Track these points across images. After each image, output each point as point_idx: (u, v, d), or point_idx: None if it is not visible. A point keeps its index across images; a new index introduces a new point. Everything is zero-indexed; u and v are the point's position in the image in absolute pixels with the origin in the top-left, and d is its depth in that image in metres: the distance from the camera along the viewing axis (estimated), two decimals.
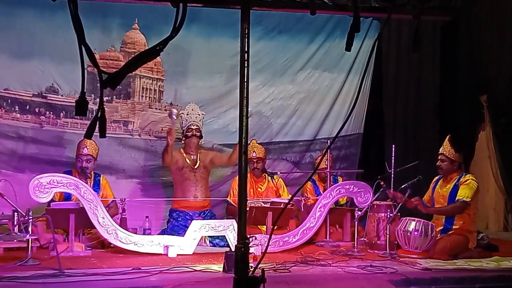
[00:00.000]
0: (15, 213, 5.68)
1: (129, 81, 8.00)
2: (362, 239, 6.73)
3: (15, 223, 5.68)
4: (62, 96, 7.72)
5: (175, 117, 7.07)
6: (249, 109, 2.49)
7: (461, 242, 6.27)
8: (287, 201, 6.87)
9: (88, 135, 2.18)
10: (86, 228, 6.41)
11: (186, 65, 8.19)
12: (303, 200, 7.32)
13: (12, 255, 5.83)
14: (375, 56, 8.44)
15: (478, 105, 8.80)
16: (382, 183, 6.68)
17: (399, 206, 6.41)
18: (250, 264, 2.47)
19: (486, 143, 8.82)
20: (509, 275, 5.63)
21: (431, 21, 8.81)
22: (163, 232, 7.00)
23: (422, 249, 6.18)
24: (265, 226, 6.90)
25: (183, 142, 7.51)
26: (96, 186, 6.89)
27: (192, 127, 7.36)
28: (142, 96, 8.09)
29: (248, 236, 2.51)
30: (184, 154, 7.40)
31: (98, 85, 2.20)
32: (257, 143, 7.73)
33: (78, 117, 7.55)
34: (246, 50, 2.51)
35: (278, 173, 7.94)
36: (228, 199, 7.55)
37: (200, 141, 7.50)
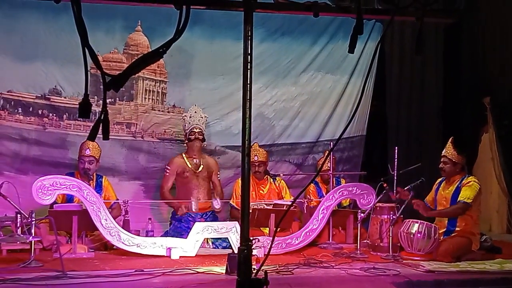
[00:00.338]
0: (18, 215, 5.70)
1: (132, 83, 8.01)
2: (365, 241, 6.73)
3: (18, 225, 5.69)
4: (65, 98, 7.73)
5: (194, 210, 7.10)
6: (251, 111, 2.49)
7: (464, 244, 6.26)
8: (289, 203, 6.86)
9: (92, 137, 2.18)
10: (89, 230, 6.42)
11: (189, 67, 8.20)
12: (306, 202, 7.31)
13: (15, 257, 5.84)
14: (378, 58, 8.45)
15: (481, 107, 8.79)
16: (385, 185, 6.68)
17: (402, 208, 6.40)
18: (253, 266, 2.47)
19: (489, 145, 8.81)
20: None
21: (434, 23, 8.80)
22: (165, 234, 7.00)
23: (425, 251, 6.18)
24: (267, 228, 6.91)
25: (185, 145, 7.51)
26: (99, 188, 6.89)
27: (195, 130, 7.36)
28: (145, 98, 8.10)
29: (251, 238, 2.51)
30: (186, 158, 7.39)
31: (101, 87, 2.20)
32: (259, 147, 7.72)
33: (81, 119, 7.56)
34: (249, 52, 2.51)
35: (281, 175, 7.94)
36: (231, 201, 7.55)
37: (203, 144, 7.50)
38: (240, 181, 2.66)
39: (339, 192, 6.91)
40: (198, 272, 5.40)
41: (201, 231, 6.33)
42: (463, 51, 9.19)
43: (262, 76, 8.35)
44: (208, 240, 6.80)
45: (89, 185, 6.55)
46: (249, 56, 2.50)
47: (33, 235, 5.60)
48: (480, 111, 8.82)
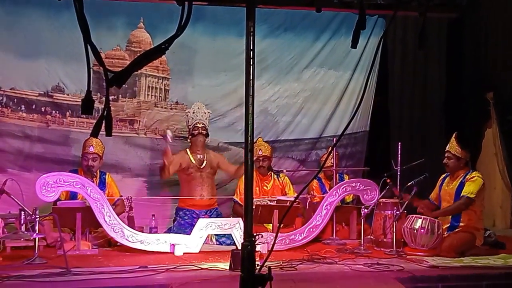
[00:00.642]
0: (22, 212, 5.70)
1: (135, 80, 8.02)
2: (369, 237, 6.72)
3: (22, 222, 5.69)
4: (68, 95, 7.75)
5: (170, 140, 6.98)
6: (254, 107, 2.48)
7: (468, 239, 6.25)
8: (293, 199, 6.86)
9: (94, 134, 2.18)
10: (92, 226, 6.42)
11: (191, 63, 8.20)
12: (309, 198, 7.31)
13: (19, 254, 5.85)
14: (380, 53, 8.44)
15: (484, 103, 8.77)
16: (388, 180, 6.68)
17: (405, 204, 6.41)
18: (256, 262, 2.47)
19: (492, 141, 8.80)
20: None
21: (437, 18, 8.79)
22: (169, 231, 7.00)
23: (429, 247, 6.17)
24: (271, 224, 6.91)
25: (189, 140, 7.52)
26: (102, 185, 6.89)
27: (198, 125, 7.35)
28: (148, 94, 8.11)
29: (255, 234, 2.50)
30: (190, 154, 7.39)
31: (104, 84, 2.20)
32: (263, 141, 7.72)
33: (84, 116, 7.58)
34: (251, 48, 2.50)
35: (284, 171, 7.93)
36: (234, 197, 7.55)
37: (206, 140, 7.50)
38: (243, 177, 2.65)
39: (343, 188, 6.90)
40: (201, 268, 5.40)
41: (205, 227, 6.33)
42: (465, 46, 9.17)
43: (265, 72, 8.36)
44: (212, 237, 6.80)
45: (93, 182, 6.55)
46: (251, 52, 2.49)
47: (37, 232, 5.60)
48: (483, 106, 8.80)
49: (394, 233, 6.28)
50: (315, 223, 6.72)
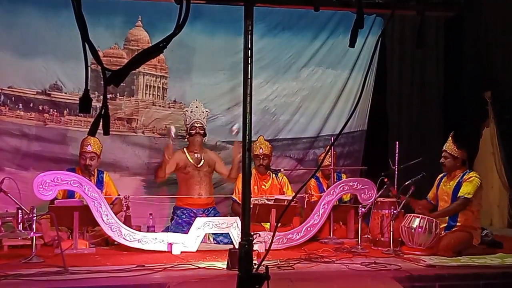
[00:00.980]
0: (19, 211, 5.69)
1: (133, 78, 8.01)
2: (366, 236, 6.73)
3: (19, 220, 5.69)
4: (65, 93, 7.74)
5: (173, 135, 7.02)
6: (252, 106, 2.48)
7: (465, 238, 6.26)
8: (290, 198, 6.86)
9: (92, 132, 2.18)
10: (90, 225, 6.42)
11: (189, 62, 8.20)
12: (306, 197, 7.32)
13: (17, 253, 5.85)
14: (378, 52, 8.44)
15: (482, 102, 8.78)
16: (386, 180, 6.68)
17: (402, 203, 6.41)
18: (254, 261, 2.47)
19: (490, 140, 8.81)
20: None
21: (435, 17, 8.80)
22: (167, 230, 7.00)
23: (426, 246, 6.18)
24: (268, 223, 6.91)
25: (187, 140, 7.51)
26: (100, 184, 6.88)
27: (196, 125, 7.34)
28: (146, 93, 8.10)
29: (252, 233, 2.50)
30: (187, 153, 7.38)
31: (102, 82, 2.19)
32: (264, 140, 7.73)
33: (81, 114, 7.57)
34: (249, 47, 2.50)
35: (282, 170, 7.94)
36: (233, 196, 7.55)
37: (204, 139, 7.49)
38: (241, 176, 2.65)
39: (340, 187, 6.90)
40: (199, 267, 5.40)
41: (202, 226, 6.33)
42: (464, 45, 9.18)
43: (262, 71, 8.36)
44: (209, 236, 6.80)
45: (90, 181, 6.55)
46: (249, 51, 2.49)
47: (34, 230, 5.60)
48: (481, 106, 8.81)
49: (391, 232, 6.28)
50: (312, 222, 6.71)
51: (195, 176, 7.33)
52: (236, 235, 6.23)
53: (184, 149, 7.46)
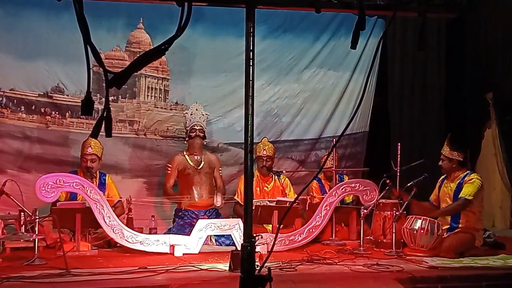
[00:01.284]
0: (22, 213, 5.71)
1: (135, 80, 8.01)
2: (368, 237, 6.72)
3: (22, 223, 5.70)
4: (67, 96, 7.74)
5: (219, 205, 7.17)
6: (254, 108, 2.48)
7: (467, 240, 6.26)
8: (292, 200, 6.87)
9: (94, 134, 2.19)
10: (92, 227, 6.42)
11: (191, 64, 8.20)
12: (308, 199, 7.31)
13: (19, 255, 5.85)
14: (380, 54, 8.43)
15: (484, 103, 8.77)
16: (388, 181, 6.67)
17: (405, 204, 6.41)
18: (256, 263, 2.47)
19: (492, 141, 8.80)
20: None
21: (437, 18, 8.79)
22: (169, 232, 7.00)
23: (429, 247, 6.17)
24: (271, 225, 6.91)
25: (186, 142, 7.52)
26: (102, 186, 6.89)
27: (195, 127, 7.36)
28: (148, 95, 8.11)
29: (254, 235, 2.51)
30: (187, 155, 7.39)
31: (104, 84, 2.20)
32: (268, 142, 7.74)
33: (83, 116, 7.57)
34: (251, 49, 2.51)
35: (284, 172, 7.94)
36: (235, 197, 7.55)
37: (203, 141, 7.49)
38: (243, 178, 2.66)
39: (342, 189, 6.90)
40: (201, 269, 5.40)
41: (204, 228, 6.34)
42: (465, 47, 9.18)
43: (264, 73, 8.36)
44: (211, 237, 6.80)
45: (92, 183, 6.55)
46: (251, 53, 2.50)
47: (36, 233, 5.61)
48: (483, 107, 8.80)
49: (393, 233, 6.28)
50: (314, 223, 6.72)
51: (196, 177, 7.34)
52: (238, 237, 6.23)
53: (184, 152, 7.47)
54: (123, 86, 2.24)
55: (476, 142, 8.90)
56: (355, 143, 8.87)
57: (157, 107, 8.15)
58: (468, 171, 6.56)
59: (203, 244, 6.34)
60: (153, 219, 6.88)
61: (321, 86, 8.74)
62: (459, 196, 6.34)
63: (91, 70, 2.21)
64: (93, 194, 6.15)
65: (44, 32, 7.62)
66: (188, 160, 7.36)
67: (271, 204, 7.08)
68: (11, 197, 5.93)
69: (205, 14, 7.88)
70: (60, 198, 6.56)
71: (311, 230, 6.69)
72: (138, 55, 2.29)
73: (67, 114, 7.76)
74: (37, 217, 5.64)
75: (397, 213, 6.40)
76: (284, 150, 8.62)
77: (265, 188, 7.69)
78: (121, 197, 6.99)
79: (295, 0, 7.80)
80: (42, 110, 7.67)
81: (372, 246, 6.61)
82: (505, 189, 8.63)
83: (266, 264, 2.52)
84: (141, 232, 6.49)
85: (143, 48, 7.93)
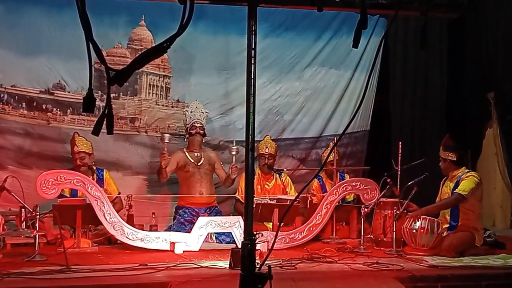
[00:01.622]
0: (22, 209, 5.72)
1: (136, 78, 8.02)
2: (369, 236, 6.72)
3: (22, 219, 5.72)
4: (69, 92, 7.75)
5: (167, 141, 7.03)
6: (255, 106, 2.49)
7: (467, 239, 6.26)
8: (293, 198, 6.87)
9: (96, 131, 2.19)
10: (93, 224, 6.43)
11: (193, 62, 8.20)
12: (309, 198, 7.32)
13: (20, 251, 5.86)
14: (382, 53, 8.43)
15: (485, 102, 8.77)
16: (388, 180, 6.68)
17: (405, 203, 6.40)
18: (256, 261, 2.47)
19: (493, 140, 8.80)
20: None
21: (438, 18, 8.79)
22: (169, 229, 7.01)
23: (429, 247, 6.17)
24: (271, 223, 6.91)
25: (186, 140, 7.52)
26: (100, 182, 6.87)
27: (196, 125, 7.36)
28: (149, 93, 8.11)
29: (255, 232, 2.51)
30: (187, 152, 7.40)
31: (105, 81, 2.20)
32: (270, 139, 7.75)
33: (85, 113, 7.57)
34: (253, 47, 2.51)
35: (285, 170, 7.95)
36: (236, 195, 7.55)
37: (204, 139, 7.49)
38: (244, 176, 2.66)
39: (343, 187, 6.90)
40: (201, 267, 5.41)
41: (205, 225, 6.34)
42: (467, 46, 9.17)
43: (266, 71, 8.36)
44: (212, 235, 6.81)
45: (92, 179, 6.56)
46: (253, 51, 2.50)
47: (37, 229, 5.62)
48: (484, 106, 8.80)
49: (394, 232, 6.28)
50: (315, 222, 6.72)
51: (196, 174, 7.34)
52: (238, 235, 6.24)
53: (184, 149, 7.48)
54: (125, 84, 2.24)
55: (477, 141, 8.90)
56: (356, 142, 8.87)
57: (158, 105, 8.16)
58: (466, 170, 6.56)
59: (203, 242, 6.34)
60: (153, 216, 6.88)
61: (323, 85, 8.74)
62: (454, 191, 6.35)
63: (92, 67, 2.20)
64: (93, 190, 6.15)
65: (45, 28, 7.62)
66: (188, 157, 7.37)
67: (271, 202, 7.08)
68: (12, 193, 5.94)
69: (207, 12, 7.88)
70: (65, 193, 6.59)
71: (311, 228, 6.69)
72: (139, 53, 2.29)
73: (69, 111, 7.76)
74: (38, 214, 5.65)
75: (397, 212, 6.40)
76: (285, 148, 8.62)
77: (266, 186, 7.70)
78: (119, 192, 7.00)
79: None
80: (44, 106, 7.68)
81: (372, 245, 6.61)
82: (505, 189, 8.63)
83: (266, 262, 2.52)
84: (142, 229, 6.49)
85: (145, 45, 7.93)
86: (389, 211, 6.59)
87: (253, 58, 2.49)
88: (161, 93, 8.17)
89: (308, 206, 7.28)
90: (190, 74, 8.23)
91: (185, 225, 6.97)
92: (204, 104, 7.68)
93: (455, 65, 9.14)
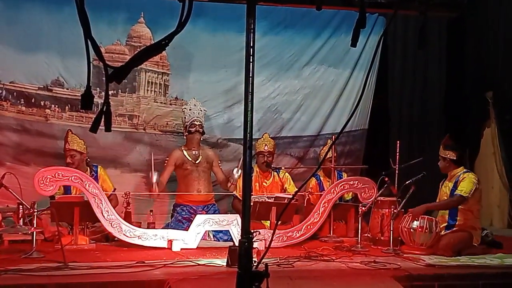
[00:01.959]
0: (20, 206, 5.71)
1: (135, 75, 8.01)
2: (366, 235, 6.74)
3: (20, 215, 5.71)
4: (67, 89, 7.74)
5: (156, 182, 6.94)
6: (254, 104, 2.48)
7: (465, 238, 6.27)
8: (291, 196, 6.87)
9: (94, 129, 2.18)
10: (90, 221, 6.43)
11: (191, 59, 8.19)
12: (307, 196, 7.32)
13: (17, 248, 5.85)
14: (380, 52, 8.42)
15: (484, 102, 8.78)
16: (386, 179, 6.69)
17: (403, 202, 6.41)
18: (253, 259, 2.47)
19: (491, 140, 8.81)
20: None
21: (438, 17, 8.78)
22: (167, 226, 7.01)
23: (428, 246, 6.18)
24: (269, 221, 6.91)
25: (185, 137, 7.51)
26: (94, 179, 6.86)
27: (195, 123, 7.35)
28: (148, 90, 8.10)
29: (252, 231, 2.51)
30: (185, 150, 7.39)
31: (104, 78, 2.20)
32: (269, 137, 7.75)
33: (83, 110, 7.55)
34: (251, 45, 2.50)
35: (283, 168, 7.95)
36: (235, 192, 7.55)
37: (202, 137, 7.49)
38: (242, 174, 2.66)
39: (341, 186, 6.90)
40: (199, 264, 5.41)
41: (202, 223, 6.34)
42: (466, 46, 9.18)
43: (264, 69, 8.35)
44: (209, 233, 6.81)
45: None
46: (251, 49, 2.50)
47: (34, 226, 5.61)
48: (483, 106, 8.81)
49: (391, 231, 6.29)
50: (312, 220, 6.73)
51: (194, 172, 7.34)
52: (236, 233, 6.24)
53: (182, 147, 7.48)
54: (123, 81, 2.24)
55: (475, 141, 8.91)
56: (354, 140, 8.87)
57: (156, 102, 8.15)
58: (464, 170, 6.56)
59: (201, 239, 6.34)
60: (151, 213, 6.88)
61: (321, 83, 8.73)
62: (454, 192, 6.35)
63: (91, 64, 2.20)
64: (91, 188, 6.15)
65: (44, 25, 7.61)
66: (186, 155, 7.36)
67: (269, 200, 7.08)
68: (10, 190, 5.93)
69: (205, 10, 7.87)
70: (58, 191, 6.58)
71: (309, 227, 6.70)
72: (138, 50, 2.29)
73: (67, 107, 7.75)
74: (36, 210, 5.64)
75: (395, 210, 6.41)
76: (283, 147, 8.62)
77: (264, 183, 7.70)
78: (115, 189, 6.99)
79: None
80: (42, 103, 7.66)
81: (369, 244, 6.62)
82: (503, 188, 8.65)
83: (263, 260, 2.52)
84: (139, 227, 6.49)
85: (144, 42, 7.92)
86: (387, 210, 6.60)
87: (251, 56, 2.49)
88: (160, 90, 8.16)
89: (305, 204, 7.29)
90: (189, 72, 8.22)
91: (183, 223, 6.97)
92: (202, 102, 7.69)
93: (454, 64, 9.15)
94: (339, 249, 6.32)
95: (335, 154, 7.63)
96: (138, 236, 6.20)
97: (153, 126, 8.12)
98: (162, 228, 6.83)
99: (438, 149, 6.65)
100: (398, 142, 7.13)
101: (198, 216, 6.48)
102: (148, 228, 6.62)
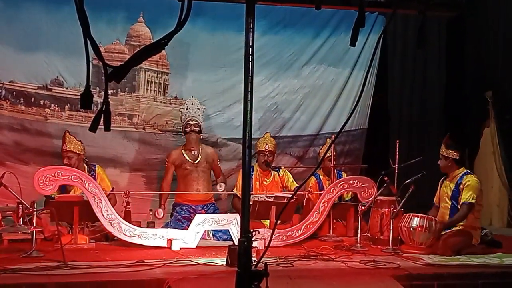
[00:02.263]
0: (20, 205, 5.71)
1: (134, 74, 8.00)
2: (365, 234, 6.74)
3: (20, 215, 5.71)
4: (67, 88, 7.73)
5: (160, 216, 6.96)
6: (253, 103, 2.48)
7: (465, 238, 6.27)
8: (290, 196, 6.88)
9: (93, 128, 2.19)
10: (90, 220, 6.43)
11: (191, 58, 8.19)
12: (307, 195, 7.32)
13: (17, 247, 5.85)
14: (380, 51, 8.43)
15: (483, 101, 8.78)
16: (386, 178, 6.69)
17: (402, 201, 6.41)
18: (253, 258, 2.48)
19: (490, 140, 8.81)
20: None
21: (437, 17, 8.78)
22: (166, 226, 7.01)
23: (427, 245, 6.18)
24: (268, 221, 6.91)
25: (183, 137, 7.52)
26: (92, 177, 6.84)
27: (190, 122, 7.34)
28: (147, 89, 8.10)
29: (251, 230, 2.51)
30: (184, 151, 7.39)
31: (103, 78, 2.20)
32: (270, 137, 7.75)
33: (82, 110, 7.56)
34: (250, 44, 2.51)
35: (282, 167, 7.95)
36: (234, 190, 7.55)
37: (201, 136, 7.49)
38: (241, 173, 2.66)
39: (340, 185, 6.90)
40: (198, 264, 5.41)
41: (202, 222, 6.34)
42: (465, 45, 9.18)
43: (264, 68, 8.35)
44: (209, 232, 6.81)
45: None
46: (250, 49, 2.50)
47: (34, 225, 5.61)
48: (482, 105, 8.81)
49: (391, 230, 6.29)
50: (312, 219, 6.72)
51: (193, 172, 7.34)
52: (235, 232, 6.23)
53: (181, 146, 7.48)
54: (123, 80, 2.24)
55: (475, 140, 8.91)
56: (353, 140, 8.87)
57: (156, 101, 8.15)
58: (465, 170, 6.56)
59: (200, 239, 6.34)
60: (151, 213, 6.88)
61: (321, 82, 8.73)
62: (462, 202, 6.32)
63: (90, 63, 2.20)
64: (91, 187, 6.15)
65: (44, 24, 7.60)
66: (185, 155, 7.36)
67: (269, 199, 7.08)
68: (9, 189, 5.93)
69: (205, 9, 7.86)
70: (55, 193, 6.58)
71: (308, 226, 6.70)
72: (138, 49, 2.29)
73: (66, 107, 7.75)
74: (35, 210, 5.64)
75: (394, 210, 6.41)
76: (283, 146, 8.62)
77: (264, 182, 7.70)
78: (113, 188, 6.99)
79: None
80: (41, 102, 7.66)
81: (369, 243, 6.62)
82: (502, 188, 8.65)
83: (263, 259, 2.52)
84: (139, 226, 6.49)
85: (143, 41, 7.91)
86: (386, 209, 6.59)
87: (250, 56, 2.49)
88: (159, 89, 8.16)
89: (305, 204, 7.28)
90: (188, 71, 8.22)
91: (182, 222, 6.97)
92: (202, 101, 7.68)
93: (453, 64, 9.15)
94: (339, 249, 6.32)
95: (334, 154, 7.63)
96: (138, 236, 6.20)
97: (153, 125, 8.12)
98: (162, 228, 6.82)
99: (438, 148, 6.64)
100: (397, 141, 7.13)
101: (197, 215, 6.48)
102: (147, 227, 6.59)
